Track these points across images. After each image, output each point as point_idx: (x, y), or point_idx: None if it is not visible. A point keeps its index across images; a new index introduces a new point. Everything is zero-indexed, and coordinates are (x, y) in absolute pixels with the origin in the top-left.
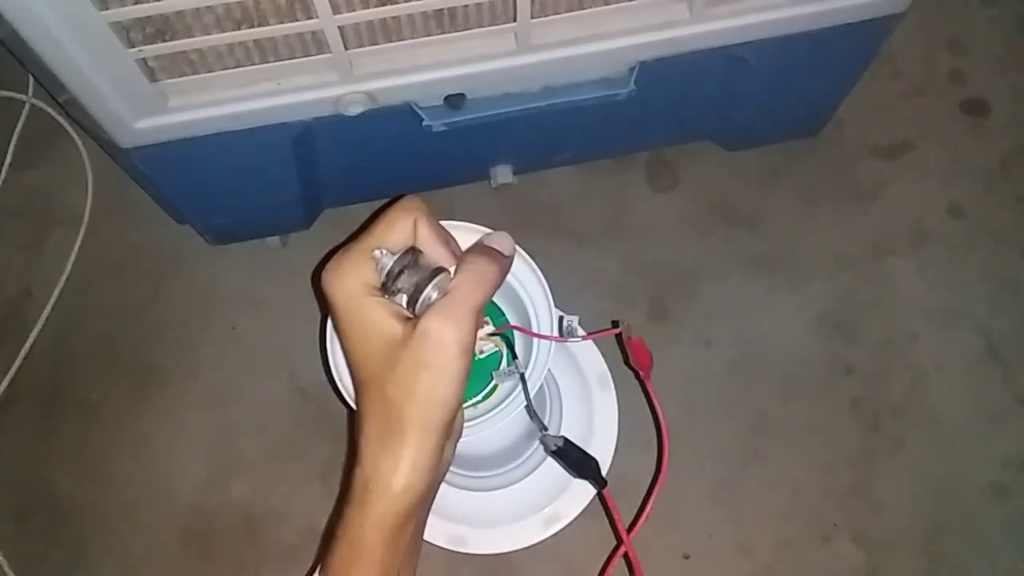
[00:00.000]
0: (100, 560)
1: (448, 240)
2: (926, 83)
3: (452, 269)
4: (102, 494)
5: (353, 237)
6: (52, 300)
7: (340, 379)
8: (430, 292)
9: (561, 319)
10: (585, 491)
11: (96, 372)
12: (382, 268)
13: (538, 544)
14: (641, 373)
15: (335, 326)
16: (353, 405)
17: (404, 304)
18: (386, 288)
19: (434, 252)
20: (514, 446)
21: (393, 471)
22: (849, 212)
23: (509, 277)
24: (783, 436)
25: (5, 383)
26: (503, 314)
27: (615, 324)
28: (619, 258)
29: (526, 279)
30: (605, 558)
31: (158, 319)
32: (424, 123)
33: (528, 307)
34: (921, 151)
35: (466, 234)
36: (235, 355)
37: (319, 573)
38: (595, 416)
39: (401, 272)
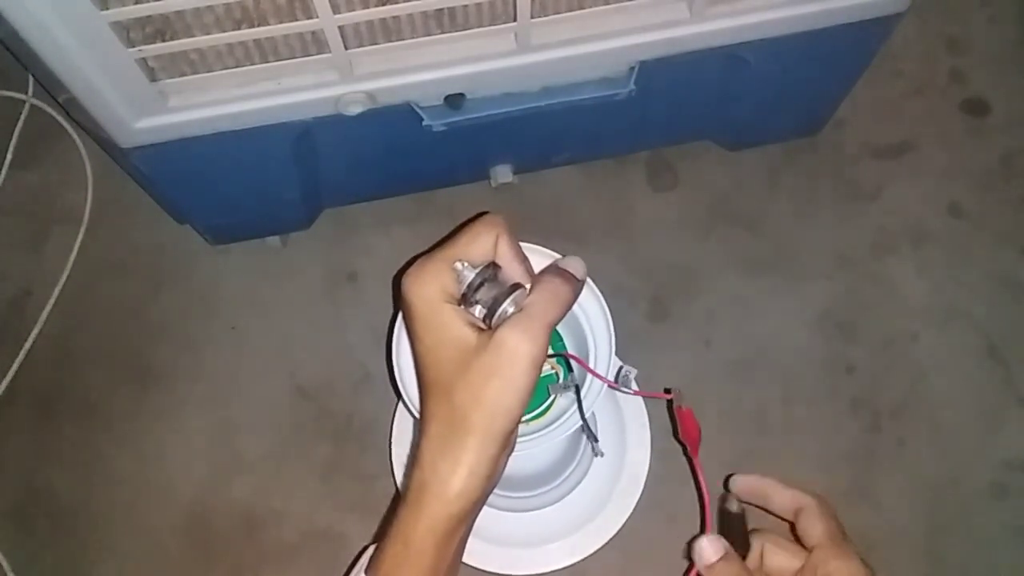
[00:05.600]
0: (100, 560)
1: (525, 259)
2: (926, 83)
3: (527, 287)
4: (102, 494)
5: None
6: (52, 300)
7: (403, 383)
8: (507, 306)
9: (620, 368)
10: (613, 520)
11: (96, 372)
12: (463, 280)
13: (563, 569)
14: (688, 448)
15: (409, 329)
16: (412, 410)
17: (480, 316)
18: (465, 299)
19: (512, 269)
20: (550, 470)
21: (451, 474)
22: (849, 212)
23: (574, 306)
24: (783, 436)
25: (5, 383)
26: (561, 339)
27: (667, 391)
28: (619, 258)
29: (591, 310)
30: None
31: (158, 319)
32: (424, 123)
33: (588, 338)
34: (921, 151)
35: (539, 258)
36: (235, 355)
37: (367, 571)
38: (626, 458)
39: (481, 285)
